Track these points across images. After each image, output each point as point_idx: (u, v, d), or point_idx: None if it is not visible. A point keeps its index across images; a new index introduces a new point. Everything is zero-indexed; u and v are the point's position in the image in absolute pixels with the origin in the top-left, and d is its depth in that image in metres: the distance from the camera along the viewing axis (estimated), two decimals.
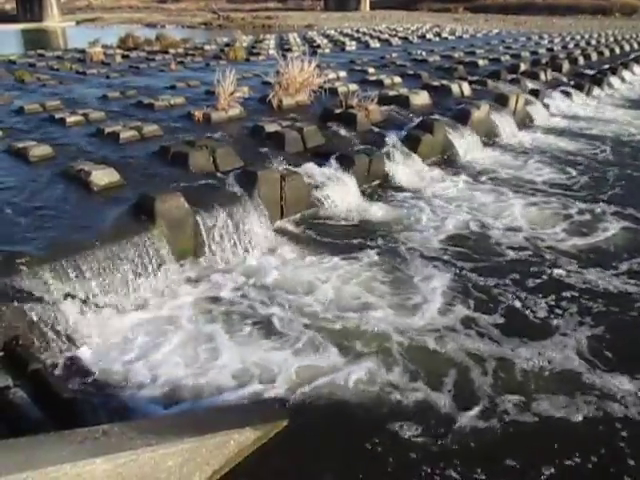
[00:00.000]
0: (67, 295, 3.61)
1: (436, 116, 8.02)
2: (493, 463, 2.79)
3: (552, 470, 2.73)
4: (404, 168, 6.81)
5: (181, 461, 2.37)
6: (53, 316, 3.46)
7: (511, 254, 5.00)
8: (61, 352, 3.44)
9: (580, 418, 3.05)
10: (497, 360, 3.53)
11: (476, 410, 3.11)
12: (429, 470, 2.74)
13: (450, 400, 3.19)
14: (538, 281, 4.51)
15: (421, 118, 7.82)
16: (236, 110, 7.62)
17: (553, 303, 4.18)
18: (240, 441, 2.59)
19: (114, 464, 2.16)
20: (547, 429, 3.00)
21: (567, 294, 4.30)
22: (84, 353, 3.50)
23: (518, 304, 4.17)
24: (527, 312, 4.07)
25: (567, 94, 11.73)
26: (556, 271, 4.67)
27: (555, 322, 3.95)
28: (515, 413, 3.09)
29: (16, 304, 3.35)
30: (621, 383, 3.32)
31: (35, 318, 3.39)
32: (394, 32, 25.84)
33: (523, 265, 4.79)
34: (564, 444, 2.89)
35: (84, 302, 3.70)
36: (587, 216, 5.86)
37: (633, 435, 2.94)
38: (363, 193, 6.22)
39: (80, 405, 2.95)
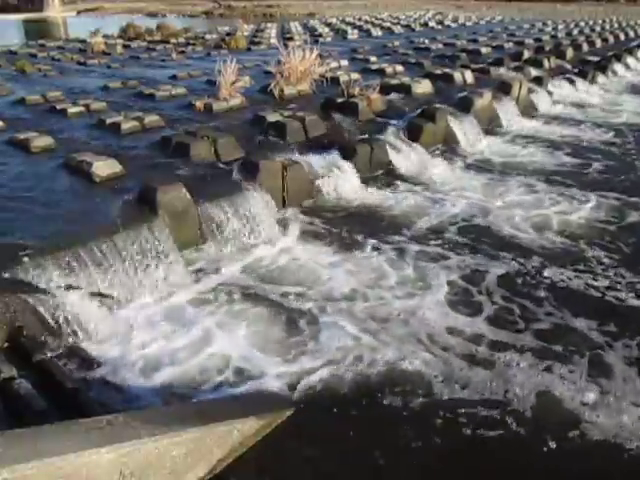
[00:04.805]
0: (70, 286, 3.62)
1: (438, 104, 7.97)
2: None
3: None
4: (406, 157, 6.78)
5: (185, 451, 2.39)
6: (57, 307, 3.46)
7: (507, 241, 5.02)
8: (65, 343, 3.46)
9: None
10: None
11: None
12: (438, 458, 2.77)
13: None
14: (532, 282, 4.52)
15: (423, 107, 7.78)
16: (237, 100, 7.59)
17: None
18: (244, 431, 2.61)
19: (118, 454, 2.17)
20: None
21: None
22: (87, 343, 3.51)
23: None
24: None
25: (571, 81, 11.63)
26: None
27: None
28: None
29: (20, 295, 3.36)
30: None
31: (39, 309, 3.40)
32: (396, 20, 25.60)
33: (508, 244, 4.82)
34: None
35: (87, 293, 3.70)
36: (578, 199, 5.86)
37: None
38: (365, 182, 6.19)
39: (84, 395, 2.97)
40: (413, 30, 20.82)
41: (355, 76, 9.14)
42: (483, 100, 8.37)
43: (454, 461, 2.77)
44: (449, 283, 4.31)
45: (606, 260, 4.67)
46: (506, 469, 2.73)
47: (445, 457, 2.78)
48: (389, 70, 10.38)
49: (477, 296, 4.16)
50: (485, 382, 3.25)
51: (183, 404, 3.02)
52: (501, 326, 3.79)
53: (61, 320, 3.46)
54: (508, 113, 8.95)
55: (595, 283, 4.30)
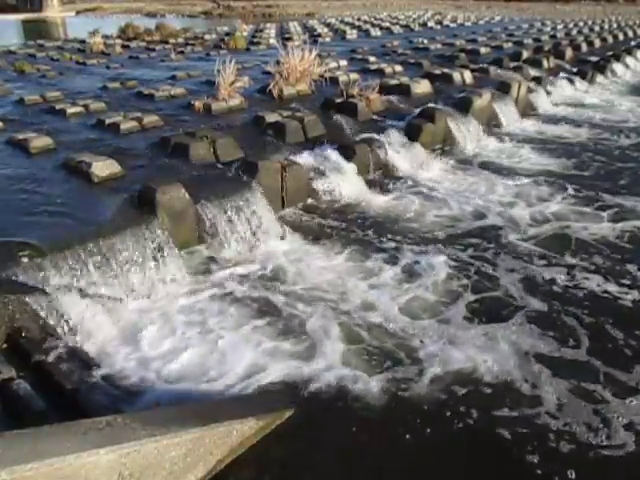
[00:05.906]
0: (69, 286, 3.62)
1: (437, 105, 7.98)
2: None
3: None
4: (405, 157, 6.78)
5: (184, 451, 2.38)
6: (56, 307, 3.46)
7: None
8: (64, 343, 3.45)
9: None
10: None
11: None
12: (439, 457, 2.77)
13: None
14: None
15: (423, 107, 7.78)
16: (236, 100, 7.58)
17: None
18: (243, 431, 2.61)
19: (118, 455, 2.17)
20: None
21: None
22: (86, 344, 3.50)
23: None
24: None
25: (570, 81, 11.65)
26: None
27: None
28: None
29: (19, 295, 3.35)
30: None
31: (38, 309, 3.40)
32: (395, 20, 25.60)
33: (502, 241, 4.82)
34: None
35: (87, 293, 3.70)
36: (587, 209, 5.83)
37: None
38: (364, 182, 6.19)
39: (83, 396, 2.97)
40: (412, 30, 20.82)
41: (354, 76, 9.13)
42: (482, 100, 8.37)
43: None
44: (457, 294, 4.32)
45: None
46: None
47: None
48: (388, 70, 10.37)
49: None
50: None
51: (182, 405, 3.02)
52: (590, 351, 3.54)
53: (60, 321, 3.45)
54: (507, 113, 8.95)
55: None
